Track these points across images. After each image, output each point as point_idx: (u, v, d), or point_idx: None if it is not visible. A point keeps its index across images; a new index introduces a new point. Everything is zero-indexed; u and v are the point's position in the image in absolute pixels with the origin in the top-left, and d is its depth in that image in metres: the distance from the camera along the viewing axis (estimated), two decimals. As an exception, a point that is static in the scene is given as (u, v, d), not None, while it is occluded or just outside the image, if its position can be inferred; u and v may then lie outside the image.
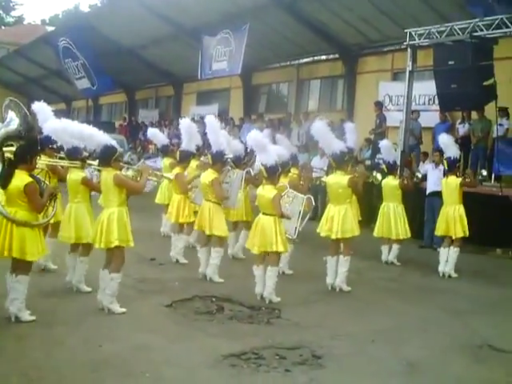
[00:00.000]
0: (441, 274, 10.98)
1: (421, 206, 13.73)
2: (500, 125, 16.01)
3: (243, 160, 10.83)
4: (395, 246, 11.89)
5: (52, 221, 8.32)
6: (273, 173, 8.72)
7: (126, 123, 34.07)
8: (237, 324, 7.74)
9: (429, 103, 18.69)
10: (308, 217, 9.71)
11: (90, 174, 9.13)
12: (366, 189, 10.70)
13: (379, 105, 18.89)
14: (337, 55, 22.58)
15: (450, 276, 10.96)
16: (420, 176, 13.59)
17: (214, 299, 8.69)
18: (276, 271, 8.73)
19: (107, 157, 7.86)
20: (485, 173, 14.01)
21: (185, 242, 11.21)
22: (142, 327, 7.35)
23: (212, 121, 10.20)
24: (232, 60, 23.22)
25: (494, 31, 14.10)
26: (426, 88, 17.54)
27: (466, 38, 14.37)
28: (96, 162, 8.49)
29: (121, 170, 8.04)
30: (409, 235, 11.90)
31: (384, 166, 12.31)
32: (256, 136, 9.15)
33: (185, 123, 11.13)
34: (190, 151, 11.33)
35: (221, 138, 10.13)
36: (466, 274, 11.02)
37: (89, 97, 37.40)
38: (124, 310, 7.78)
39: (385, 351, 6.93)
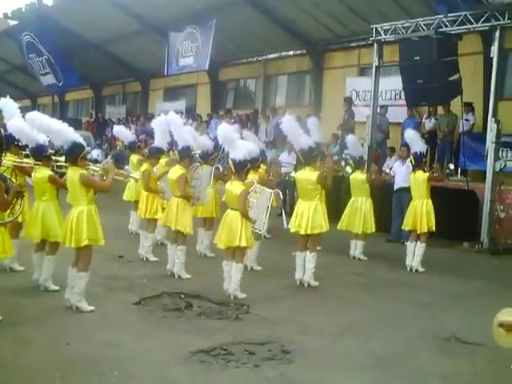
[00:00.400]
0: (408, 269, 11.07)
1: (389, 201, 13.82)
2: (465, 120, 16.22)
3: (211, 156, 10.79)
4: (360, 243, 11.96)
5: (19, 219, 8.22)
6: (241, 168, 8.69)
7: (92, 120, 33.79)
8: (205, 320, 7.72)
9: (395, 98, 18.87)
10: (281, 212, 9.76)
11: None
12: (334, 184, 10.73)
13: (348, 100, 18.98)
14: (304, 51, 22.67)
15: (417, 270, 11.04)
16: (393, 174, 13.71)
17: (182, 296, 8.64)
18: (241, 267, 8.70)
19: (74, 154, 7.75)
20: (452, 167, 14.19)
21: (152, 240, 11.15)
22: (110, 325, 7.29)
23: (175, 118, 10.20)
24: (199, 56, 23.17)
25: (458, 27, 14.28)
26: (393, 83, 17.67)
27: (431, 33, 14.53)
28: (62, 159, 8.38)
29: (87, 168, 7.95)
30: (374, 230, 11.97)
31: (351, 161, 12.37)
32: (226, 129, 9.13)
33: (159, 120, 11.08)
34: (160, 148, 11.30)
35: (185, 134, 10.09)
36: (434, 268, 11.10)
37: (54, 93, 36.95)
38: (92, 308, 7.72)
39: (353, 345, 6.96)
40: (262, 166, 11.13)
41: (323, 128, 11.08)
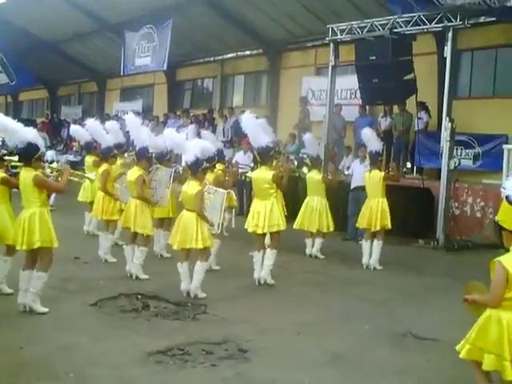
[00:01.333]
0: (364, 267, 11.17)
1: (345, 200, 13.91)
2: (420, 118, 16.46)
3: (166, 156, 10.71)
4: (318, 240, 12.02)
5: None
6: (196, 168, 8.66)
7: (47, 120, 33.30)
8: (162, 321, 7.67)
9: (351, 98, 19.02)
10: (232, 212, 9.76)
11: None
12: (290, 183, 10.77)
13: (304, 100, 19.08)
14: (260, 50, 22.71)
15: (374, 268, 11.15)
16: (350, 172, 13.79)
17: (139, 297, 8.57)
18: (205, 266, 8.69)
19: (29, 155, 7.59)
20: (409, 165, 14.38)
21: (111, 241, 11.05)
22: (65, 327, 7.19)
23: (132, 118, 10.14)
24: (156, 56, 23.05)
25: (412, 28, 14.47)
26: (349, 82, 17.81)
27: (386, 33, 14.69)
28: (16, 158, 8.22)
29: (42, 169, 7.81)
30: (331, 229, 12.04)
31: (308, 160, 12.42)
32: (170, 134, 9.15)
33: (111, 124, 11.06)
34: (110, 147, 11.26)
35: (143, 135, 10.03)
36: (390, 266, 11.22)
37: (7, 93, 36.24)
38: (46, 309, 7.59)
39: (310, 343, 6.99)
40: (219, 165, 11.14)
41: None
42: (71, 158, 21.53)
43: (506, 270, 4.31)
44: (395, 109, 17.57)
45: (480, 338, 4.43)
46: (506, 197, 4.44)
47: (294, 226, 11.96)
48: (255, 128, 9.73)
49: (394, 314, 8.37)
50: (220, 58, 24.60)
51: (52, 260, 7.68)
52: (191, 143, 9.05)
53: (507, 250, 4.51)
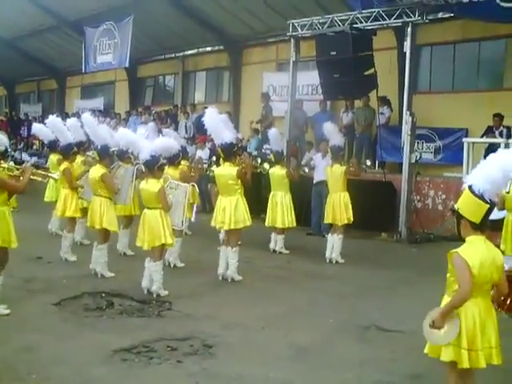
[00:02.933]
0: (328, 260, 11.23)
1: (308, 194, 13.96)
2: (381, 113, 16.60)
3: (127, 154, 10.59)
4: (279, 237, 12.06)
5: None
6: (152, 166, 8.61)
7: (6, 119, 32.78)
8: (127, 318, 7.65)
9: (312, 93, 19.09)
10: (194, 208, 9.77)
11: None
12: (254, 180, 10.79)
13: (266, 96, 19.10)
14: (222, 47, 22.68)
15: (337, 262, 11.22)
16: (307, 170, 13.83)
17: (103, 295, 8.53)
18: (161, 265, 8.64)
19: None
20: (369, 163, 14.44)
21: (70, 240, 10.92)
22: (28, 328, 7.11)
23: (88, 117, 10.15)
24: (118, 53, 22.86)
25: (372, 23, 14.58)
26: (310, 78, 17.86)
27: (346, 29, 14.76)
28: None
29: (2, 169, 7.67)
30: (294, 224, 12.09)
31: (272, 156, 12.45)
32: (124, 134, 9.11)
33: (71, 121, 10.97)
34: (70, 144, 11.15)
35: (101, 133, 9.97)
36: (353, 259, 11.31)
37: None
38: (8, 311, 7.49)
39: (274, 337, 7.02)
40: (183, 162, 11.13)
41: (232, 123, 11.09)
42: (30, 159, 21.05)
43: (465, 260, 4.37)
44: (357, 104, 17.68)
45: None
46: (469, 186, 4.48)
47: (267, 224, 12.02)
48: (217, 124, 9.73)
49: (358, 306, 8.44)
50: (181, 54, 24.52)
51: (8, 260, 7.57)
52: (145, 142, 9.03)
53: (464, 240, 4.57)
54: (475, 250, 4.45)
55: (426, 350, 4.58)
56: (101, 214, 9.57)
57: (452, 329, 4.38)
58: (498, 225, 8.74)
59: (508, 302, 5.21)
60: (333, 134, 11.75)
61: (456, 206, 4.59)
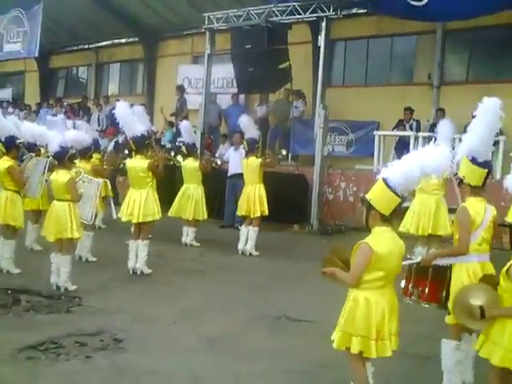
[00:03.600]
0: (240, 252, 11.26)
1: (222, 187, 13.93)
2: (296, 107, 16.76)
3: (36, 146, 10.26)
4: (191, 230, 12.00)
5: None
6: (61, 158, 8.43)
7: None
8: (35, 315, 7.42)
9: (227, 86, 19.09)
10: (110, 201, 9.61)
11: None
12: (168, 172, 10.68)
13: (181, 88, 18.96)
14: (136, 38, 22.39)
15: (251, 254, 11.25)
16: (220, 162, 13.82)
17: (9, 292, 8.24)
18: (70, 259, 8.45)
19: None
20: (284, 152, 14.58)
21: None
22: None
23: None
24: (27, 41, 22.19)
25: (287, 17, 14.68)
26: (225, 71, 17.86)
27: (261, 22, 14.79)
28: None
29: None
30: (205, 216, 12.05)
31: (184, 148, 12.37)
32: (30, 128, 8.89)
33: None
34: None
35: (6, 124, 9.63)
36: (266, 251, 11.37)
37: None
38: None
39: (186, 330, 6.98)
40: (95, 155, 10.94)
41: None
42: None
43: (373, 250, 4.44)
44: (273, 97, 17.76)
45: (349, 324, 4.52)
46: (384, 179, 4.53)
47: (169, 214, 11.91)
48: (129, 117, 9.61)
49: (269, 298, 8.48)
50: (95, 45, 24.10)
51: None
52: (53, 133, 8.81)
53: (370, 231, 4.64)
54: (383, 241, 4.52)
55: (335, 345, 4.63)
56: (5, 209, 9.24)
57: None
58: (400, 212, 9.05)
59: (426, 292, 5.33)
60: (248, 126, 11.79)
61: (367, 197, 4.63)
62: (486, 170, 5.18)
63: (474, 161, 5.22)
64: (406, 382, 5.65)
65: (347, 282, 4.57)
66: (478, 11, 13.23)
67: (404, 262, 4.97)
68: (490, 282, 4.53)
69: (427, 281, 5.28)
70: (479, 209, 5.11)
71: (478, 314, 4.33)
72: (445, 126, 9.29)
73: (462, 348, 5.18)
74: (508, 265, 4.29)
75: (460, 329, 5.11)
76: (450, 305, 5.11)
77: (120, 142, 14.84)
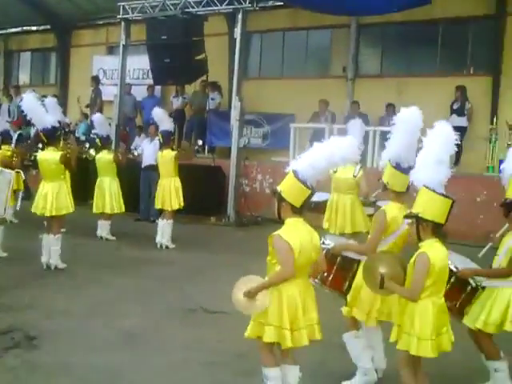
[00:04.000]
0: (158, 245, 11.20)
1: (137, 180, 13.78)
2: (212, 99, 16.75)
3: None
4: (106, 223, 11.86)
5: None
6: None
7: None
8: None
9: (143, 77, 18.90)
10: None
11: None
12: (82, 165, 10.48)
13: (96, 79, 18.64)
14: (48, 26, 21.80)
15: (167, 247, 11.21)
16: (137, 154, 13.68)
17: None
18: None
19: None
20: (200, 143, 14.55)
21: None
22: None
23: None
24: None
25: (204, 8, 14.63)
26: (141, 62, 17.70)
27: (177, 13, 14.71)
28: None
29: None
30: (123, 210, 11.93)
31: (98, 140, 12.18)
32: None
33: None
34: None
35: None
36: (183, 244, 11.36)
37: None
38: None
39: (101, 325, 6.88)
40: (5, 146, 10.66)
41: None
42: None
43: (287, 242, 4.48)
44: (189, 88, 17.67)
45: (261, 314, 4.54)
46: (294, 171, 4.58)
47: (94, 211, 11.75)
48: (37, 109, 9.37)
49: (186, 290, 8.47)
50: (3, 32, 23.32)
51: None
52: None
53: (283, 222, 4.69)
54: (295, 232, 4.55)
55: (246, 334, 4.66)
56: None
57: (264, 302, 4.47)
58: (321, 206, 9.20)
59: (330, 278, 5.42)
60: (162, 119, 11.71)
61: (279, 189, 4.67)
62: (409, 176, 5.25)
63: (397, 167, 5.33)
64: (322, 370, 5.74)
65: (283, 277, 4.50)
66: (390, 7, 13.55)
67: None
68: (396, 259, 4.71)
69: (333, 269, 5.41)
70: (397, 215, 5.16)
71: (378, 280, 4.50)
72: (356, 126, 9.40)
73: (363, 335, 5.34)
74: (415, 256, 4.45)
75: (354, 319, 5.29)
76: (348, 298, 5.27)
77: (24, 134, 14.40)
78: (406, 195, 5.36)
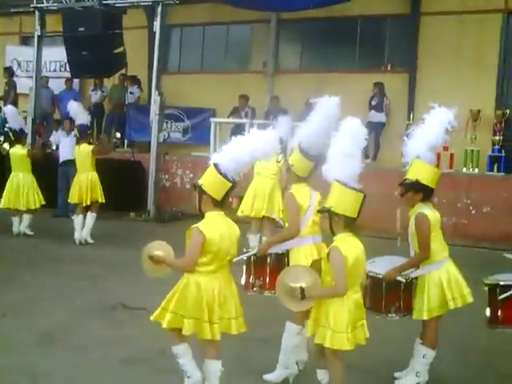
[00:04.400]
0: (77, 242, 10.98)
1: (54, 175, 13.42)
2: (131, 93, 16.55)
3: None
4: (26, 216, 11.56)
5: None
6: None
7: None
8: None
9: (61, 70, 18.47)
10: None
11: None
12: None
13: (9, 71, 18.08)
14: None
15: (86, 241, 11.01)
16: (53, 148, 13.37)
17: None
18: None
19: None
20: (119, 135, 14.34)
21: None
22: None
23: None
24: None
25: (122, 0, 14.52)
26: (59, 54, 17.28)
27: (95, 4, 14.44)
28: None
29: None
30: (39, 204, 11.65)
31: (11, 134, 11.84)
32: None
33: None
34: None
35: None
36: (102, 240, 11.17)
37: None
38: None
39: (17, 325, 6.69)
40: None
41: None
42: None
43: (204, 235, 4.46)
44: (108, 82, 17.37)
45: (180, 306, 4.53)
46: (215, 164, 4.56)
47: (1, 206, 11.41)
48: None
49: (105, 287, 8.35)
50: None
51: None
52: None
53: (203, 216, 4.66)
54: (215, 225, 4.56)
55: (164, 325, 4.62)
56: None
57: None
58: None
59: (267, 281, 5.41)
60: (77, 112, 11.51)
61: (200, 182, 4.64)
62: (313, 163, 5.32)
63: (303, 152, 5.39)
64: (244, 364, 5.74)
65: (183, 267, 4.57)
66: (308, 4, 13.69)
67: (240, 256, 5.10)
68: (317, 266, 4.71)
69: (266, 270, 5.41)
70: (304, 194, 5.29)
71: (298, 294, 4.49)
72: (283, 122, 9.46)
73: (303, 333, 5.35)
74: (328, 249, 4.50)
75: (304, 315, 5.29)
76: None
77: None
78: (308, 179, 5.43)
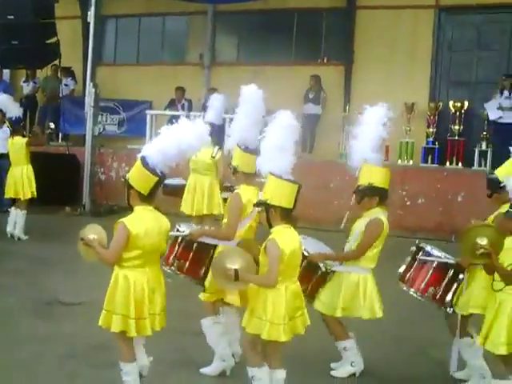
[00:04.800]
0: (9, 235, 10.72)
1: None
2: (65, 85, 16.25)
3: None
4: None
5: None
6: None
7: None
8: None
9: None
10: None
11: None
12: None
13: None
14: None
15: (19, 238, 10.75)
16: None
17: None
18: None
19: None
20: (53, 126, 14.06)
21: None
22: None
23: None
24: None
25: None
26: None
27: (24, -8, 14.11)
28: None
29: None
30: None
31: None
32: None
33: None
34: None
35: None
36: (36, 235, 10.91)
37: None
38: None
39: None
40: None
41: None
42: None
43: (128, 230, 4.38)
44: (40, 73, 16.97)
45: (110, 302, 4.45)
46: (142, 158, 4.48)
47: None
48: None
49: (41, 283, 8.19)
50: None
51: None
52: None
53: (132, 210, 4.59)
54: (141, 220, 4.50)
55: (100, 323, 4.53)
56: None
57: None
58: (179, 190, 9.21)
59: (187, 265, 5.38)
60: (8, 105, 11.26)
61: (127, 176, 4.58)
62: (255, 156, 5.28)
63: (245, 149, 5.37)
64: (180, 358, 5.71)
65: (105, 259, 4.51)
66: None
67: (172, 233, 5.03)
68: (247, 245, 4.73)
69: (190, 255, 5.39)
70: (252, 197, 5.17)
71: (232, 275, 4.49)
72: (217, 99, 9.45)
73: (222, 321, 5.35)
74: (265, 242, 4.49)
75: (213, 304, 5.34)
76: (206, 284, 5.27)
77: None
78: (255, 176, 5.31)
